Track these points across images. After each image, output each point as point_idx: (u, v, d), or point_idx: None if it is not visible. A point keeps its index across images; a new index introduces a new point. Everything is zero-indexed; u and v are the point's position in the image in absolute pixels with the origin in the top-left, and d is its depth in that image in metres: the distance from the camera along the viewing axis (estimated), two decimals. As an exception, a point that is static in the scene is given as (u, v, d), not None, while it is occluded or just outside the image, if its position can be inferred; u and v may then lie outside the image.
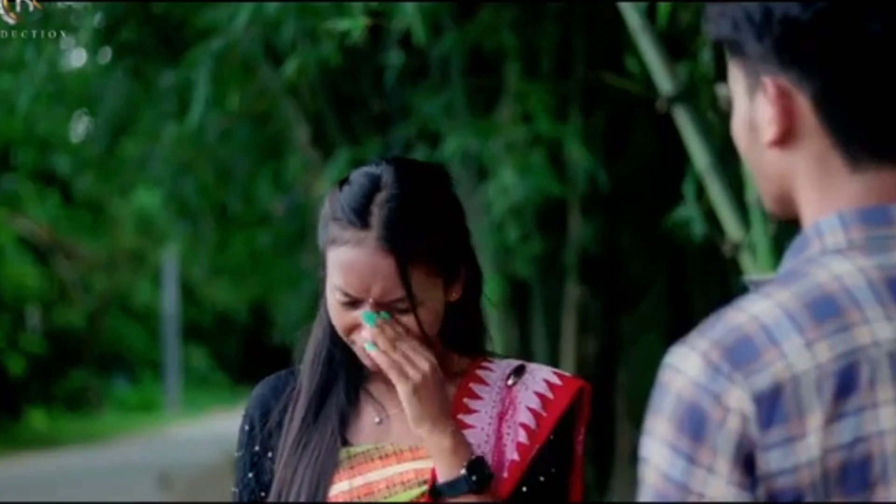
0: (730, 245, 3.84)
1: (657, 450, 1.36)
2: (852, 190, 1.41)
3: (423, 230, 2.06)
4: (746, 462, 1.32)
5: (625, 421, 7.41)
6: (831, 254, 1.39)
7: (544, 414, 2.11)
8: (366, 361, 2.10)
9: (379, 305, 2.05)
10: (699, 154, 3.94)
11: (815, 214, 1.43)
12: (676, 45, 4.22)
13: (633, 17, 4.07)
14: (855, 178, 1.41)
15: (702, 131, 3.95)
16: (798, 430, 1.32)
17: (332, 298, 2.09)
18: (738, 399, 1.33)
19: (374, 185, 2.06)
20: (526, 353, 7.00)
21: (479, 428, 2.10)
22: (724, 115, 3.97)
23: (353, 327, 2.08)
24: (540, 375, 2.15)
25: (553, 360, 6.87)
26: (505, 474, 2.07)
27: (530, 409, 2.11)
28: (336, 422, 2.12)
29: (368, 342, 2.06)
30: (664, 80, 4.02)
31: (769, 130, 1.43)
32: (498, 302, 6.53)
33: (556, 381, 2.15)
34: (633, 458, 7.42)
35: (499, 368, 2.17)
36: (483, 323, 2.22)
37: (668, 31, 4.06)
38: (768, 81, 1.42)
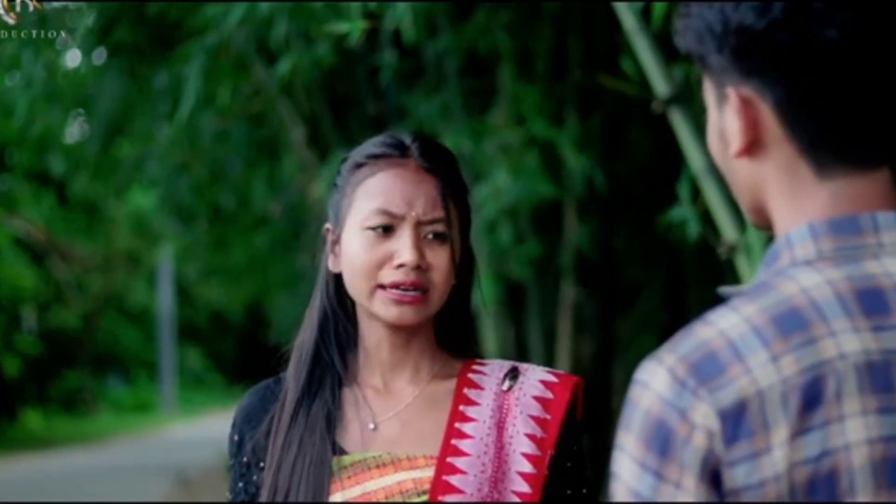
0: (725, 247, 3.83)
1: (626, 465, 1.36)
2: (822, 198, 1.41)
3: (454, 165, 2.15)
4: (713, 478, 1.32)
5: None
6: (801, 265, 1.39)
7: (548, 417, 2.10)
8: (388, 312, 2.08)
9: (419, 226, 2.07)
10: (695, 156, 3.93)
11: (786, 224, 1.42)
12: (672, 46, 4.21)
13: (628, 18, 4.06)
14: (824, 186, 1.41)
15: (697, 133, 3.94)
16: (763, 445, 1.31)
17: (362, 237, 2.08)
18: (704, 415, 1.33)
19: (399, 136, 2.15)
20: (522, 353, 7.01)
21: (478, 438, 2.08)
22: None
23: (384, 261, 2.07)
24: (534, 377, 2.14)
25: (549, 361, 6.87)
26: (524, 488, 2.05)
27: (532, 417, 2.09)
28: (325, 430, 2.09)
29: (407, 258, 2.05)
30: (660, 82, 4.01)
31: (736, 141, 1.43)
32: (493, 303, 6.53)
33: (551, 378, 2.14)
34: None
35: (492, 371, 2.15)
36: (473, 325, 2.22)
37: (663, 32, 4.06)
38: (731, 92, 1.42)
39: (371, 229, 2.07)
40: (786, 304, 1.35)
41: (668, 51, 4.11)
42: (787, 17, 1.38)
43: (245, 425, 2.16)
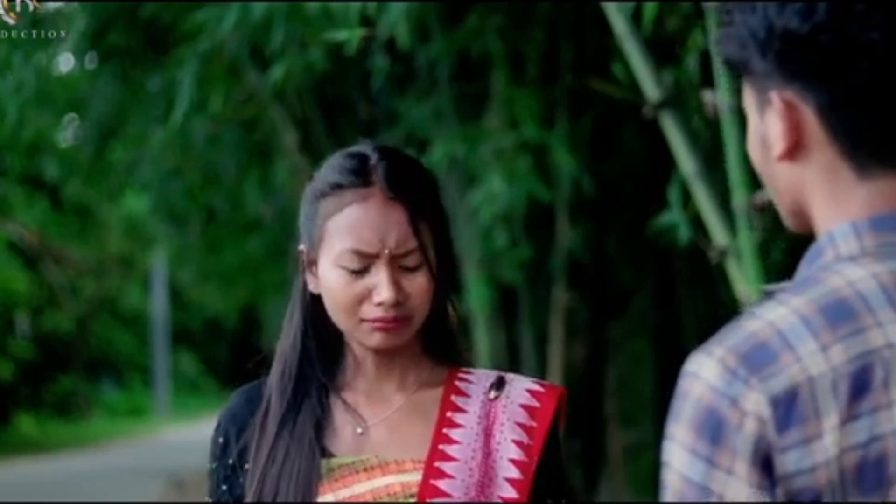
0: (716, 251, 3.84)
1: (678, 453, 1.39)
2: (862, 198, 1.44)
3: (421, 185, 2.12)
4: (764, 464, 1.35)
5: (613, 424, 7.42)
6: (845, 261, 1.42)
7: (534, 424, 2.11)
8: (372, 340, 2.08)
9: (394, 259, 2.05)
10: (685, 160, 3.95)
11: (827, 224, 1.46)
12: (662, 50, 4.23)
13: (618, 22, 4.08)
14: (864, 186, 1.44)
15: (688, 137, 3.96)
16: (815, 431, 1.35)
17: (337, 274, 2.07)
18: (755, 402, 1.36)
19: (362, 153, 2.12)
20: (513, 358, 7.02)
21: (466, 443, 2.09)
22: (710, 121, 3.99)
23: (363, 298, 2.06)
24: (520, 386, 2.15)
25: (541, 365, 6.88)
26: (511, 493, 2.07)
27: (519, 425, 2.11)
28: (312, 433, 2.10)
29: (386, 297, 2.04)
30: (650, 86, 4.03)
31: (778, 145, 1.45)
32: (486, 308, 6.54)
33: (537, 388, 2.16)
34: (622, 460, 7.46)
35: (478, 380, 2.16)
36: (455, 331, 2.23)
37: (654, 36, 4.08)
38: (774, 96, 1.45)
39: (346, 268, 2.07)
40: (833, 296, 1.39)
41: (658, 54, 4.13)
42: (831, 20, 1.41)
43: (231, 427, 2.16)
